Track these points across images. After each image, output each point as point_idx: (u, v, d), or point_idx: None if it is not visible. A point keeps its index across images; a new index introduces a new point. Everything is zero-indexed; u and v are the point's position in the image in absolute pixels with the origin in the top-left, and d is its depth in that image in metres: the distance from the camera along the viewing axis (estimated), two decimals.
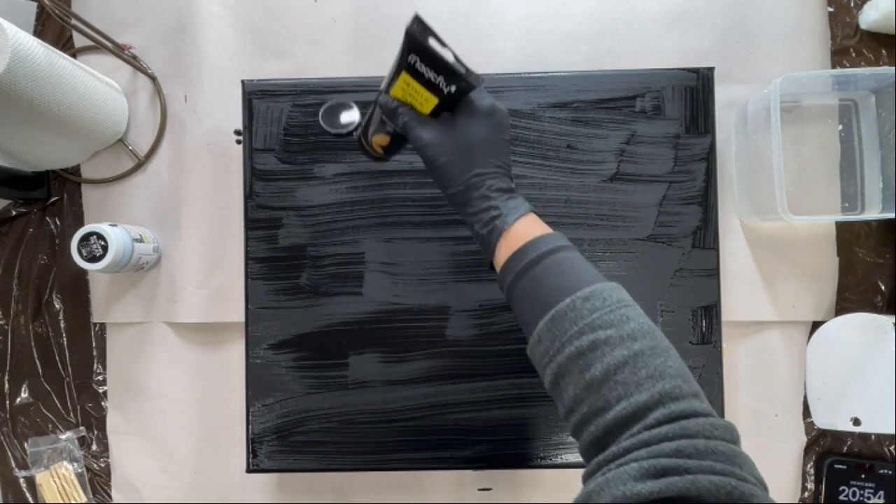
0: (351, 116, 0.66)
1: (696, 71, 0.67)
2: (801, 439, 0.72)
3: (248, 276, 0.67)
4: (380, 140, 0.54)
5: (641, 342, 0.39)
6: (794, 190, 0.72)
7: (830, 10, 0.74)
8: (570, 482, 0.72)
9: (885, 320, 0.68)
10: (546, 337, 0.42)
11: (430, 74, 0.46)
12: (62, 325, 0.76)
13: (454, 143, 0.48)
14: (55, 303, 0.76)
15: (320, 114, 0.66)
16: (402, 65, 0.46)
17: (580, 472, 0.42)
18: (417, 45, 0.45)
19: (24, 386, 0.76)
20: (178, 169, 0.74)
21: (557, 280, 0.44)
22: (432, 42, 0.45)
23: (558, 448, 0.66)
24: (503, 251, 0.47)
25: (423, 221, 0.67)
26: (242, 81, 0.68)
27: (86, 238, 0.66)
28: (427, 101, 0.48)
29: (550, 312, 0.42)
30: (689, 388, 0.38)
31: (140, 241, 0.70)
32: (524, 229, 0.47)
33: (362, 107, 0.66)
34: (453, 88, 0.47)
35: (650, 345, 0.40)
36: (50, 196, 0.76)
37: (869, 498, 0.70)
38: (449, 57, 0.46)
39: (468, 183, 0.48)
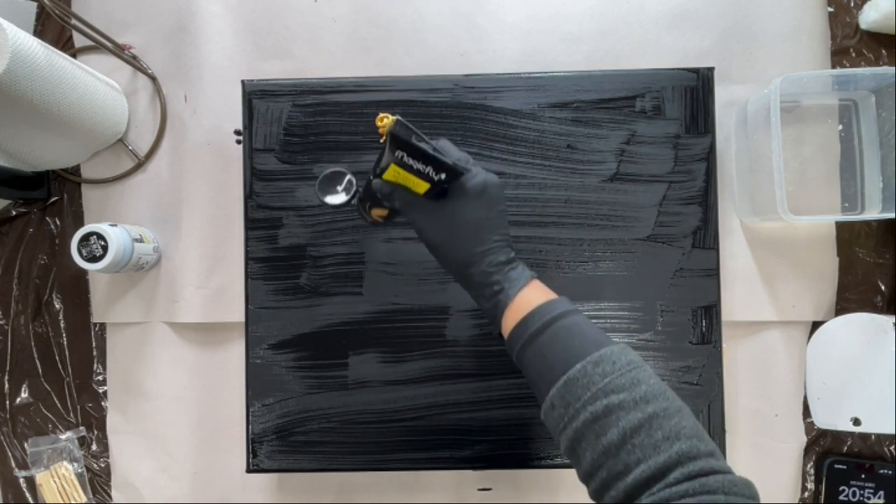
0: (341, 199, 0.66)
1: (696, 71, 0.67)
2: (801, 439, 0.72)
3: (248, 276, 0.67)
4: (379, 213, 0.55)
5: (654, 404, 0.40)
6: (794, 190, 0.72)
7: (830, 10, 0.74)
8: (570, 482, 0.72)
9: (885, 320, 0.68)
10: (559, 403, 0.43)
11: (418, 166, 0.47)
12: (62, 325, 0.76)
13: (450, 225, 0.49)
14: (55, 303, 0.76)
15: (316, 183, 0.66)
16: (391, 159, 0.47)
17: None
18: (402, 143, 0.46)
19: (24, 386, 0.76)
20: (178, 169, 0.74)
21: (565, 346, 0.45)
22: (416, 140, 0.46)
23: (558, 448, 0.66)
24: (509, 322, 0.48)
25: None
26: (242, 81, 0.68)
27: (86, 238, 0.66)
28: (419, 185, 0.48)
29: (562, 379, 0.43)
30: (705, 447, 0.39)
31: (140, 241, 0.70)
32: (527, 298, 0.47)
33: (358, 177, 0.66)
34: (443, 176, 0.47)
35: (663, 406, 0.40)
36: (50, 196, 0.76)
37: (869, 498, 0.70)
38: (431, 150, 0.47)
39: (468, 262, 0.49)
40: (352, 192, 0.65)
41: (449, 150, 0.49)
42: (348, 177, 0.65)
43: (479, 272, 0.49)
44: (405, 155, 0.46)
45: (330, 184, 0.65)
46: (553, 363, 0.44)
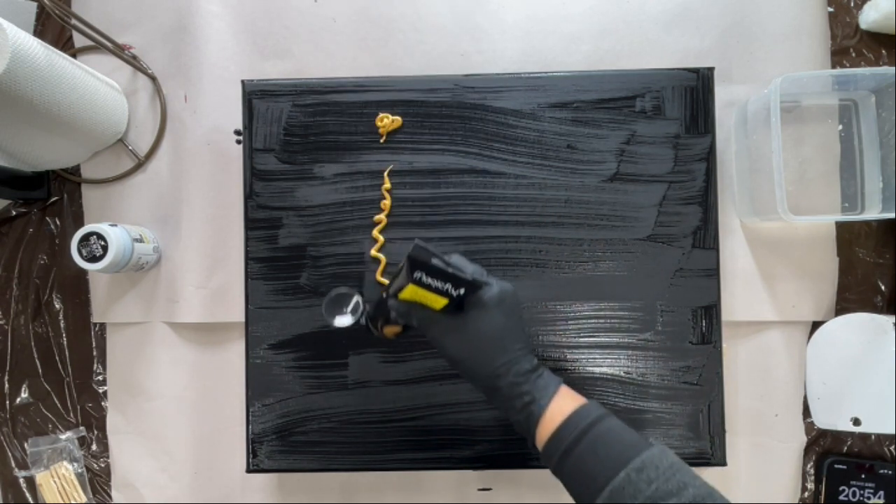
0: (348, 320, 0.66)
1: (696, 71, 0.67)
2: (801, 439, 0.72)
3: (248, 276, 0.67)
4: (392, 330, 0.56)
5: None
6: (794, 190, 0.72)
7: (830, 10, 0.74)
8: None
9: (885, 320, 0.68)
10: None
11: (436, 284, 0.48)
12: (62, 325, 0.76)
13: (472, 339, 0.49)
14: (55, 303, 0.76)
15: (323, 304, 0.65)
16: (409, 279, 0.48)
17: None
18: (421, 265, 0.47)
19: (24, 386, 0.76)
20: (178, 169, 0.74)
21: (606, 453, 0.45)
22: (435, 260, 0.47)
23: None
24: (543, 433, 0.47)
25: (423, 221, 0.67)
26: (242, 81, 0.68)
27: (86, 238, 0.66)
28: (438, 301, 0.49)
29: (607, 489, 0.43)
30: None
31: (140, 241, 0.70)
32: (559, 407, 0.47)
33: (365, 298, 0.66)
34: (462, 291, 0.48)
35: None
36: (50, 196, 0.76)
37: (869, 498, 0.70)
38: (450, 269, 0.48)
39: (495, 374, 0.49)
40: (359, 313, 0.66)
41: (464, 265, 0.50)
42: (356, 298, 0.66)
43: (507, 384, 0.48)
44: (424, 275, 0.47)
45: (337, 305, 0.66)
46: (595, 473, 0.44)
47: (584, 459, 0.45)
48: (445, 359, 0.51)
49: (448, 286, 0.48)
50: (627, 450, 0.44)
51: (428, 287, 0.48)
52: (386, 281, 0.66)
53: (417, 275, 0.47)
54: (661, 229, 0.67)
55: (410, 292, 0.49)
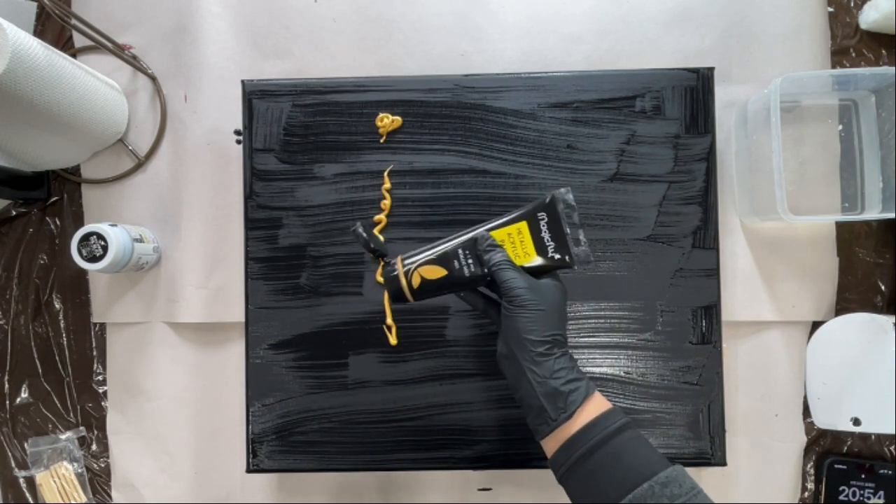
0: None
1: (696, 71, 0.67)
2: (801, 439, 0.72)
3: (248, 276, 0.67)
4: (430, 272, 0.52)
5: None
6: (794, 190, 0.72)
7: (830, 10, 0.74)
8: None
9: (885, 320, 0.68)
10: None
11: (546, 235, 0.49)
12: (62, 325, 0.76)
13: (547, 298, 0.50)
14: (55, 303, 0.76)
15: (359, 229, 0.55)
16: (527, 216, 0.49)
17: None
18: (553, 208, 0.48)
19: (24, 386, 0.76)
20: (178, 169, 0.74)
21: (632, 461, 0.45)
22: (569, 213, 0.49)
23: None
24: (581, 417, 0.48)
25: (423, 221, 0.67)
26: (242, 81, 0.68)
27: (86, 238, 0.66)
28: (524, 256, 0.51)
29: (627, 498, 0.43)
30: None
31: (140, 241, 0.70)
32: (598, 402, 0.49)
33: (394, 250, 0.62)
34: (557, 257, 0.50)
35: None
36: (50, 196, 0.76)
37: (869, 498, 0.70)
38: (569, 231, 0.50)
39: (554, 338, 0.49)
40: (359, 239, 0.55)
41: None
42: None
43: (561, 353, 0.49)
44: (546, 220, 0.48)
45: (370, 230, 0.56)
46: (620, 476, 0.45)
47: (614, 458, 0.46)
48: (516, 304, 0.49)
49: (552, 245, 0.49)
50: (654, 463, 0.45)
51: (536, 234, 0.49)
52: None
53: (542, 215, 0.48)
54: (661, 229, 0.67)
55: (508, 232, 0.50)
